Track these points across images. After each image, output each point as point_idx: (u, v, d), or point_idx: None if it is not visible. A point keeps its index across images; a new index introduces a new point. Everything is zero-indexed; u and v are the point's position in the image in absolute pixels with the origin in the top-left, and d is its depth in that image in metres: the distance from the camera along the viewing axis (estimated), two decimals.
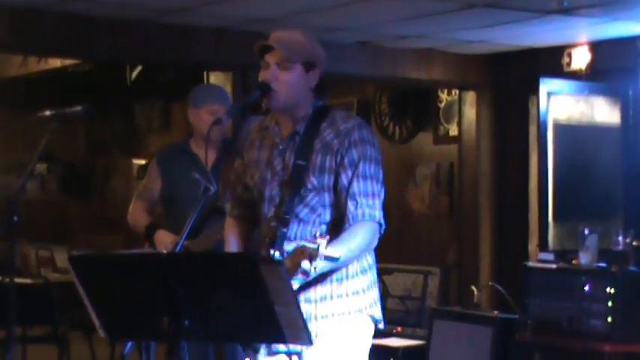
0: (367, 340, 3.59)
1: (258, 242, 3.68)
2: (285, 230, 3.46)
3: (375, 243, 3.51)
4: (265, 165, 3.59)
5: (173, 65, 9.01)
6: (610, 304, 5.78)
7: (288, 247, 3.25)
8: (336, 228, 3.48)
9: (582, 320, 5.87)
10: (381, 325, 3.62)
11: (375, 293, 3.59)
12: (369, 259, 3.58)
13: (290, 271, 3.16)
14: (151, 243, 4.91)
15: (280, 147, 3.56)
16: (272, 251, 3.26)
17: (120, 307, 3.10)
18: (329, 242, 3.19)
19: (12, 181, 10.69)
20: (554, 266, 6.18)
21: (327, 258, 3.15)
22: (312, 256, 3.11)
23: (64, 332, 7.64)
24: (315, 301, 3.49)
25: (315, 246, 3.10)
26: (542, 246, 7.26)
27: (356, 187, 3.45)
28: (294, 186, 3.48)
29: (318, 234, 3.14)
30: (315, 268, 3.15)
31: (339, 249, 3.26)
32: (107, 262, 3.18)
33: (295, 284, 3.26)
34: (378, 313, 3.59)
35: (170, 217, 5.01)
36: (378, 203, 3.47)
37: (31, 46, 6.97)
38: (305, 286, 3.44)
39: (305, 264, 3.14)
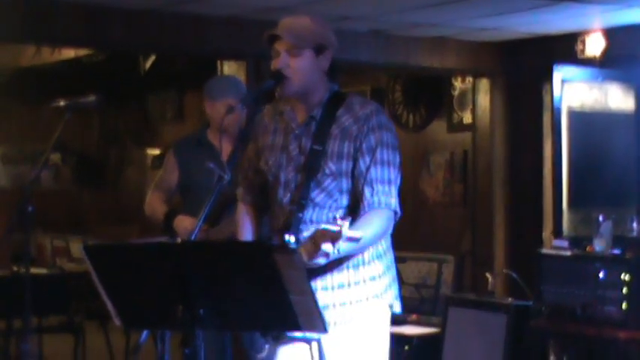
0: (386, 325, 3.59)
1: (269, 228, 3.69)
2: (300, 215, 3.47)
3: (390, 231, 3.53)
4: (280, 150, 3.59)
5: (186, 55, 9.02)
6: (625, 290, 5.76)
7: (307, 232, 3.23)
8: (351, 213, 3.47)
9: (597, 307, 5.86)
10: (397, 309, 3.62)
11: (389, 278, 3.59)
12: (384, 243, 3.58)
13: (310, 253, 3.16)
14: (171, 232, 4.92)
15: (296, 132, 3.57)
16: (287, 236, 3.25)
17: (135, 296, 3.11)
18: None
19: (26, 171, 10.73)
20: (568, 253, 6.16)
21: (351, 239, 3.15)
22: (334, 238, 3.11)
23: (80, 322, 7.67)
24: (332, 289, 3.49)
25: (337, 228, 3.09)
26: (557, 233, 7.25)
27: (373, 173, 3.45)
28: (311, 171, 3.48)
29: (338, 216, 3.13)
30: (337, 250, 3.15)
31: (358, 232, 3.27)
32: (122, 251, 3.19)
33: (314, 266, 3.25)
34: (392, 298, 3.59)
35: (188, 206, 5.02)
36: (394, 190, 3.48)
37: (44, 36, 6.98)
38: (321, 272, 3.44)
39: (327, 246, 3.13)
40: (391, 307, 3.60)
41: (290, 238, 3.20)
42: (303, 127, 3.56)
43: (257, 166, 3.69)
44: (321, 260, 3.21)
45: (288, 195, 3.54)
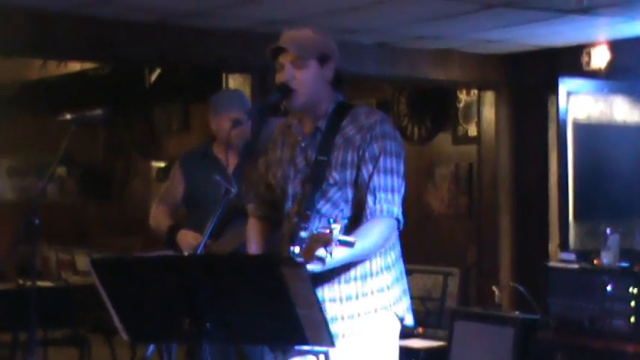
0: (394, 338, 3.55)
1: (279, 242, 3.67)
2: (305, 226, 3.45)
3: (392, 239, 3.49)
4: (288, 163, 3.59)
5: (192, 68, 9.03)
6: (632, 304, 5.74)
7: (303, 233, 3.17)
8: (357, 223, 3.46)
9: (605, 320, 5.84)
10: (408, 321, 3.58)
11: (398, 290, 3.55)
12: (393, 255, 3.55)
13: (305, 259, 3.10)
14: (174, 246, 4.91)
15: (302, 144, 3.56)
16: (291, 247, 3.23)
17: (142, 309, 3.10)
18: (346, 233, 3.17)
19: (32, 184, 10.74)
20: (575, 266, 6.15)
21: (342, 243, 3.09)
22: (326, 241, 3.06)
23: (85, 335, 7.67)
24: (341, 301, 3.47)
25: (328, 231, 3.05)
26: (563, 245, 7.23)
27: (376, 181, 3.43)
28: (315, 181, 3.47)
29: (332, 220, 3.10)
30: (330, 254, 3.08)
31: (351, 237, 3.25)
32: (129, 265, 3.18)
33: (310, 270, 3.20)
34: (402, 310, 3.56)
35: (193, 219, 5.02)
36: (397, 199, 3.45)
37: (50, 50, 6.99)
38: (329, 283, 3.42)
39: (320, 251, 3.08)
40: (402, 319, 3.57)
41: (295, 250, 3.17)
42: (309, 138, 3.55)
43: (267, 180, 3.68)
44: (316, 267, 3.14)
45: (295, 207, 3.53)
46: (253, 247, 3.73)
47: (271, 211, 3.70)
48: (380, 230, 3.39)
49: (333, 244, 3.07)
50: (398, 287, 3.56)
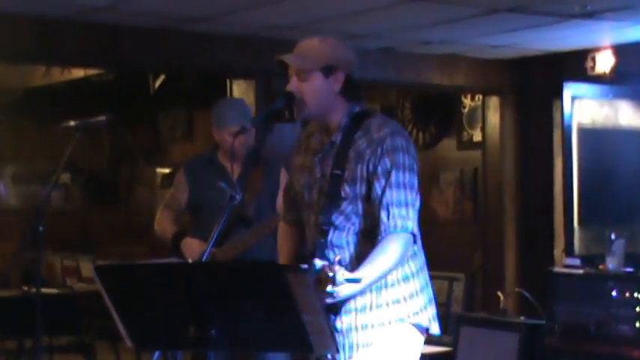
0: (412, 350, 3.53)
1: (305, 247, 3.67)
2: (322, 241, 3.45)
3: (409, 254, 3.46)
4: (307, 172, 3.58)
5: (196, 73, 9.03)
6: (638, 309, 5.74)
7: (318, 263, 3.21)
8: (369, 236, 3.45)
9: (610, 325, 5.83)
10: (434, 330, 3.56)
11: (420, 301, 3.52)
12: (412, 266, 3.52)
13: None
14: (178, 252, 4.91)
15: (320, 155, 3.55)
16: (316, 260, 3.23)
17: (147, 316, 3.09)
18: (361, 254, 3.26)
19: (37, 191, 10.74)
20: (581, 271, 6.14)
21: (349, 281, 3.14)
22: (332, 283, 3.11)
23: (90, 341, 7.67)
24: (356, 311, 3.46)
25: (332, 274, 3.09)
26: (568, 251, 7.22)
27: (389, 196, 3.41)
28: (331, 196, 3.46)
29: (337, 259, 3.14)
30: (339, 292, 3.15)
31: (366, 269, 3.27)
32: (133, 271, 3.17)
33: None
34: (425, 321, 3.53)
35: (197, 226, 5.02)
36: (411, 213, 3.43)
37: (54, 56, 7.00)
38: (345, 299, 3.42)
39: (329, 288, 3.12)
40: (426, 329, 3.53)
41: (317, 263, 3.17)
42: (326, 151, 3.53)
43: (294, 185, 3.68)
44: (328, 299, 3.19)
45: (312, 218, 3.53)
46: (281, 252, 3.74)
47: (300, 215, 3.68)
48: (394, 250, 3.37)
49: (339, 285, 3.12)
50: (420, 298, 3.52)
